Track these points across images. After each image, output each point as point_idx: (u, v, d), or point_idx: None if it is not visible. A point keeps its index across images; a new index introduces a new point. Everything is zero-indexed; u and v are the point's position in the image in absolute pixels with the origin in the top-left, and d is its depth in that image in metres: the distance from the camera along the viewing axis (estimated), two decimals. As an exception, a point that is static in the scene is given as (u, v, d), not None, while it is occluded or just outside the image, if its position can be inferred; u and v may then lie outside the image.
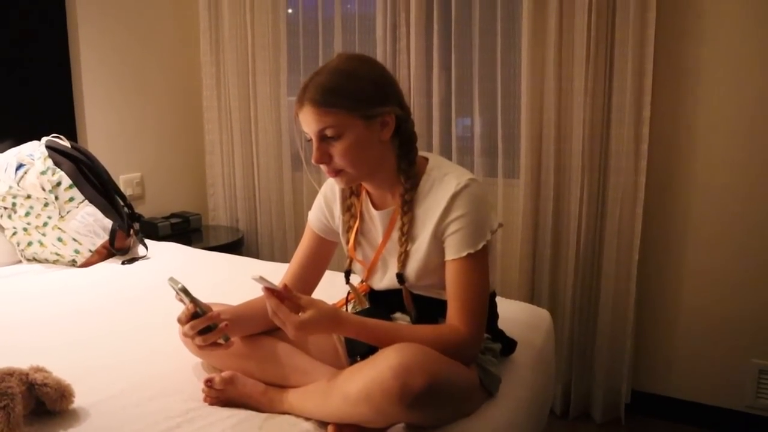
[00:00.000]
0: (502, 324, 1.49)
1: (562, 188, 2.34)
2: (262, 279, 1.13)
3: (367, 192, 1.41)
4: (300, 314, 1.15)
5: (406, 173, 1.32)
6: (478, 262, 1.26)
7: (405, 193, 1.32)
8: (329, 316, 1.17)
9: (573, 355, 2.41)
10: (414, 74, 2.52)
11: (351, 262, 1.45)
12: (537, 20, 2.26)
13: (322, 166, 1.29)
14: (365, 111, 1.24)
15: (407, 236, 1.32)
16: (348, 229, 1.43)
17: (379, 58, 2.60)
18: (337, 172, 1.29)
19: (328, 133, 1.24)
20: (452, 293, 1.26)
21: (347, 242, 1.44)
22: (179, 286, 1.20)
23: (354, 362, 1.34)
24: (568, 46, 2.24)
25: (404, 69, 2.55)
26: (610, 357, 2.35)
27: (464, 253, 1.25)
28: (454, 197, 1.26)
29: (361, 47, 2.71)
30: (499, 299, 1.52)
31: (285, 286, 1.17)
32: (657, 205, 2.29)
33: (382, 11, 2.56)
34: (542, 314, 1.78)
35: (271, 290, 1.15)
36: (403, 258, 1.34)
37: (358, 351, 1.34)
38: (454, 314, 1.25)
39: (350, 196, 1.43)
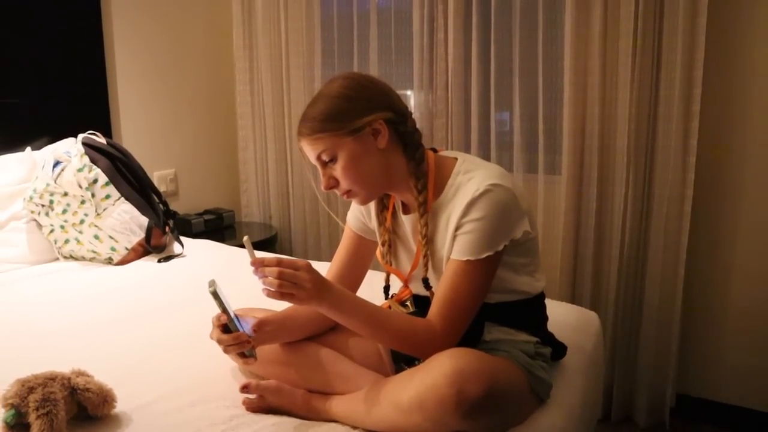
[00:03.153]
0: (550, 327, 1.44)
1: (606, 185, 2.26)
2: (248, 243, 1.13)
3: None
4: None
5: (416, 174, 1.28)
6: (477, 270, 1.21)
7: (418, 195, 1.28)
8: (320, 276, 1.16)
9: (615, 357, 2.34)
10: (452, 68, 2.45)
11: (388, 276, 1.43)
12: (581, 10, 2.18)
13: (335, 191, 1.29)
14: (347, 126, 1.22)
15: (427, 239, 1.29)
16: (383, 243, 1.41)
17: (416, 51, 2.55)
18: (347, 193, 1.28)
19: (324, 157, 1.24)
20: (440, 292, 1.23)
21: (380, 254, 1.42)
22: (210, 289, 1.17)
23: (399, 368, 1.31)
24: (613, 36, 2.15)
25: (442, 62, 2.49)
26: (654, 360, 2.27)
27: (464, 258, 1.21)
28: (470, 204, 1.21)
29: (396, 40, 2.65)
30: (546, 301, 1.46)
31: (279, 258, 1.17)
32: (706, 203, 2.20)
33: (419, 2, 2.50)
34: (590, 317, 1.72)
35: (272, 259, 1.16)
36: (426, 262, 1.31)
37: (403, 357, 1.31)
38: (435, 312, 1.21)
39: (382, 210, 1.41)
